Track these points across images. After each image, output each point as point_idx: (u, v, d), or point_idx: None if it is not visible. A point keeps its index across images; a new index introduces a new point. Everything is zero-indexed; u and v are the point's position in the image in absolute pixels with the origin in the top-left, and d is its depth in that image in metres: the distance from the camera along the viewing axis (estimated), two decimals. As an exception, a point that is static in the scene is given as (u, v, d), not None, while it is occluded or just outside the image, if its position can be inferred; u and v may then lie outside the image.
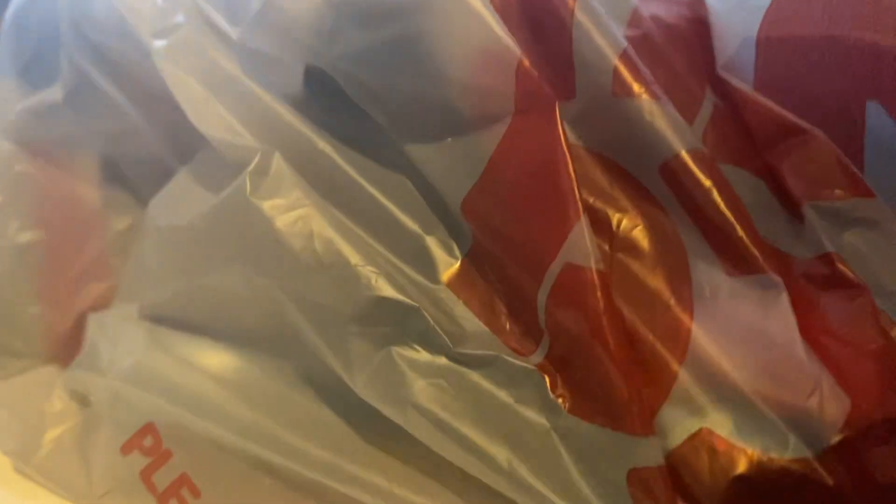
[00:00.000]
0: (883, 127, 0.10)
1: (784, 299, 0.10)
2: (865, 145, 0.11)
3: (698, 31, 0.11)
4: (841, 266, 0.10)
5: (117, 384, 0.13)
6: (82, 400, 0.14)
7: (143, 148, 0.13)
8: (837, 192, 0.11)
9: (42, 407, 0.14)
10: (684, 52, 0.11)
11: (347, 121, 0.11)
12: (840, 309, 0.10)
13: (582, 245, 0.10)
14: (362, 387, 0.11)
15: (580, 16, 0.11)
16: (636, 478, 0.10)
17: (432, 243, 0.12)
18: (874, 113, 0.11)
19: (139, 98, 0.13)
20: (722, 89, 0.11)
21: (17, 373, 0.14)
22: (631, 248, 0.10)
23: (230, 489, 0.13)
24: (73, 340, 0.14)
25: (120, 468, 0.13)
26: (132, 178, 0.13)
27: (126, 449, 0.13)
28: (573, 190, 0.10)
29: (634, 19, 0.11)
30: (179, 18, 0.12)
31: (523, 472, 0.10)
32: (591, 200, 0.11)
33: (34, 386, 0.14)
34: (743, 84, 0.11)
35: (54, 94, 0.14)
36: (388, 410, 0.11)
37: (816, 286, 0.10)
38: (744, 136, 0.11)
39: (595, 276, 0.10)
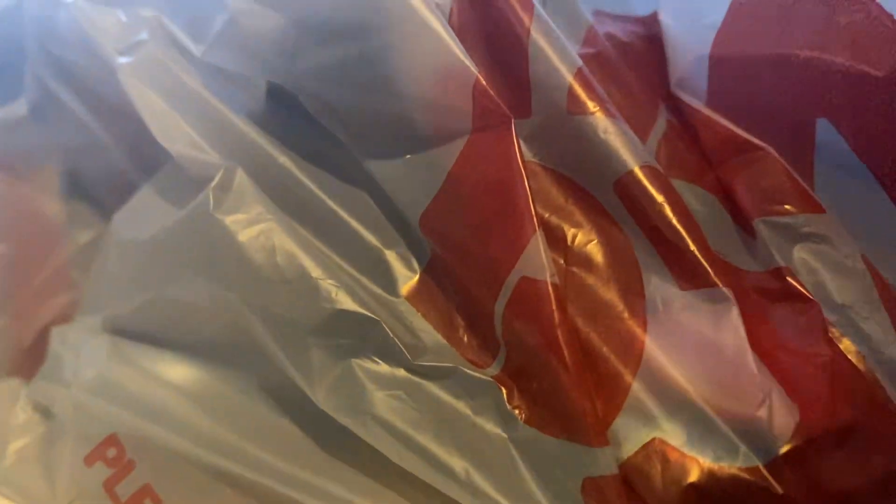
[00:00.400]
0: (832, 144, 0.11)
1: (735, 312, 0.10)
2: (815, 162, 0.11)
3: (652, 49, 0.12)
4: (792, 280, 0.11)
5: (80, 395, 0.13)
6: (45, 412, 0.14)
7: (107, 162, 0.13)
8: (788, 207, 0.11)
9: (5, 419, 0.14)
10: (638, 70, 0.12)
11: (309, 137, 0.12)
12: (790, 322, 0.10)
13: (537, 259, 0.10)
14: (323, 398, 0.11)
15: (536, 35, 0.11)
16: (591, 487, 0.10)
17: (392, 257, 0.12)
18: (824, 130, 0.11)
19: (103, 113, 0.13)
20: (675, 106, 0.12)
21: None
22: (585, 262, 0.11)
23: (193, 500, 0.13)
24: (36, 353, 0.14)
25: (83, 479, 0.13)
26: (95, 193, 0.14)
27: (89, 460, 0.13)
28: (529, 205, 0.10)
29: (589, 38, 0.12)
30: (143, 35, 0.12)
31: (480, 482, 0.10)
32: (546, 216, 0.11)
33: (3, 396, 0.14)
34: (696, 101, 0.11)
35: (19, 108, 0.14)
36: (347, 421, 0.11)
37: (767, 300, 0.11)
38: (697, 153, 0.11)
39: (550, 290, 0.10)
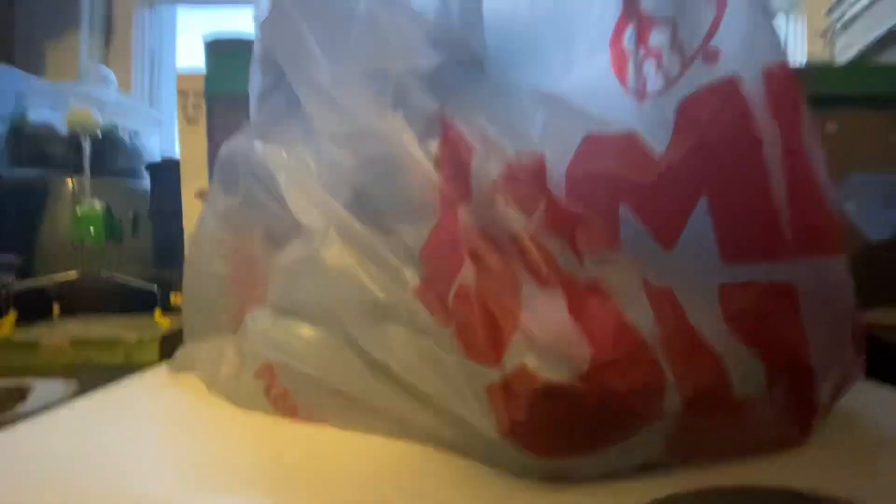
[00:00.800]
0: (628, 219, 0.20)
1: (563, 299, 0.20)
2: (621, 225, 0.21)
3: (537, 167, 0.22)
4: (600, 285, 0.20)
5: (253, 343, 0.26)
6: (239, 352, 0.27)
7: (279, 224, 0.26)
8: (601, 249, 0.20)
9: (223, 353, 0.27)
10: (531, 179, 0.22)
11: (365, 211, 0.24)
12: (595, 305, 0.20)
13: (469, 269, 0.21)
14: (374, 349, 0.23)
15: (476, 165, 0.22)
16: (489, 388, 0.20)
17: (408, 274, 0.23)
18: (624, 212, 0.21)
19: (275, 200, 0.26)
20: (551, 197, 0.22)
21: (213, 337, 0.28)
22: (491, 271, 0.21)
23: (310, 398, 0.25)
24: (241, 321, 0.27)
25: (253, 385, 0.26)
26: (277, 239, 0.27)
27: (256, 375, 0.26)
28: (464, 246, 0.21)
29: (508, 165, 0.22)
30: (292, 162, 0.26)
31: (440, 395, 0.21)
32: (475, 250, 0.22)
33: (220, 345, 0.28)
34: (560, 196, 0.22)
35: (238, 198, 0.28)
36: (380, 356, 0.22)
37: (585, 293, 0.20)
38: (560, 220, 0.21)
39: (473, 291, 0.21)
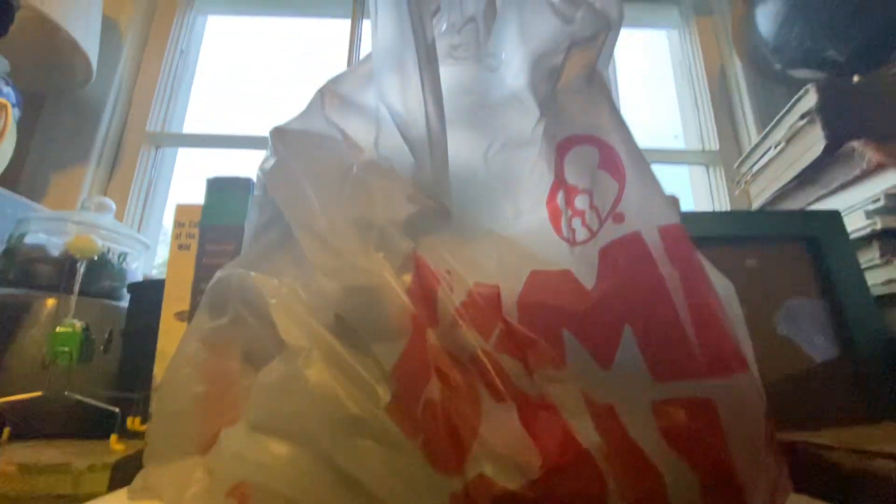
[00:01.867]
0: (571, 342, 0.24)
1: (515, 412, 0.23)
2: (565, 347, 0.24)
3: (493, 297, 0.26)
4: (549, 400, 0.23)
5: (226, 461, 0.27)
6: (211, 471, 0.27)
7: (262, 346, 0.29)
8: (549, 368, 0.24)
9: (190, 475, 0.28)
10: (488, 306, 0.26)
11: (345, 333, 0.27)
12: (545, 418, 0.23)
13: (435, 385, 0.24)
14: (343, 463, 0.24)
15: (441, 294, 0.26)
16: (452, 497, 0.22)
17: (381, 391, 0.25)
18: (567, 336, 0.25)
19: (262, 322, 0.29)
20: (505, 322, 0.26)
21: (180, 459, 0.29)
22: (454, 387, 0.24)
23: None
24: (212, 441, 0.28)
25: None
26: (256, 361, 0.29)
27: (228, 495, 0.26)
28: (431, 365, 0.24)
29: (469, 293, 0.27)
30: (283, 290, 0.29)
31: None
32: (441, 368, 0.25)
33: (189, 465, 0.28)
34: (513, 321, 0.26)
35: (224, 320, 0.31)
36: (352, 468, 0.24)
37: (535, 407, 0.23)
38: (513, 342, 0.25)
39: (439, 405, 0.23)
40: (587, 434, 0.22)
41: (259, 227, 0.34)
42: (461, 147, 0.30)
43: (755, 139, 0.93)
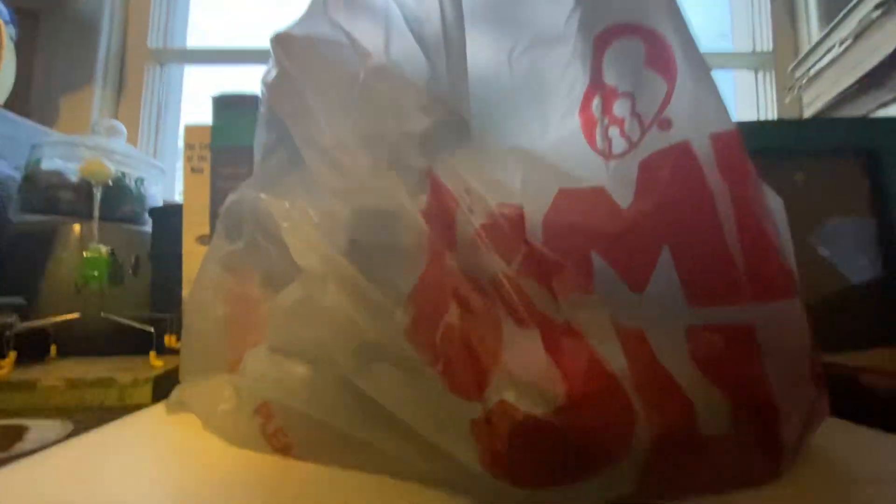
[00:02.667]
0: (600, 265, 0.22)
1: (540, 338, 0.21)
2: (593, 271, 0.23)
3: (517, 218, 0.24)
4: (575, 326, 0.22)
5: (251, 382, 0.28)
6: (237, 390, 0.28)
7: (279, 269, 0.28)
8: (576, 292, 0.22)
9: (220, 393, 0.28)
10: (511, 229, 0.24)
11: (360, 257, 0.25)
12: (571, 344, 0.22)
13: (455, 310, 0.23)
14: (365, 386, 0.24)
15: (460, 215, 0.24)
16: (473, 423, 0.21)
17: (399, 314, 0.25)
18: (596, 258, 0.23)
19: (277, 246, 0.28)
20: (529, 245, 0.24)
21: (211, 377, 0.29)
22: (475, 312, 0.23)
23: (303, 435, 0.26)
24: (239, 362, 0.29)
25: (251, 423, 0.27)
26: (275, 284, 0.29)
27: (253, 413, 0.27)
28: (450, 289, 0.23)
29: (490, 215, 0.24)
30: (295, 213, 0.28)
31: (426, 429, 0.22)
32: (461, 293, 0.23)
33: (218, 383, 0.29)
34: (537, 244, 0.24)
35: (240, 244, 0.30)
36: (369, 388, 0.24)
37: (561, 333, 0.22)
38: (537, 266, 0.23)
39: (458, 331, 0.22)
40: (615, 360, 0.21)
41: (268, 147, 0.32)
42: (481, 48, 0.26)
43: (817, 37, 0.83)
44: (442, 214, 0.24)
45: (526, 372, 0.21)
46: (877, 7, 0.65)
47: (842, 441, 0.28)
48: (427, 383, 0.23)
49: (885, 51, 0.65)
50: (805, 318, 0.24)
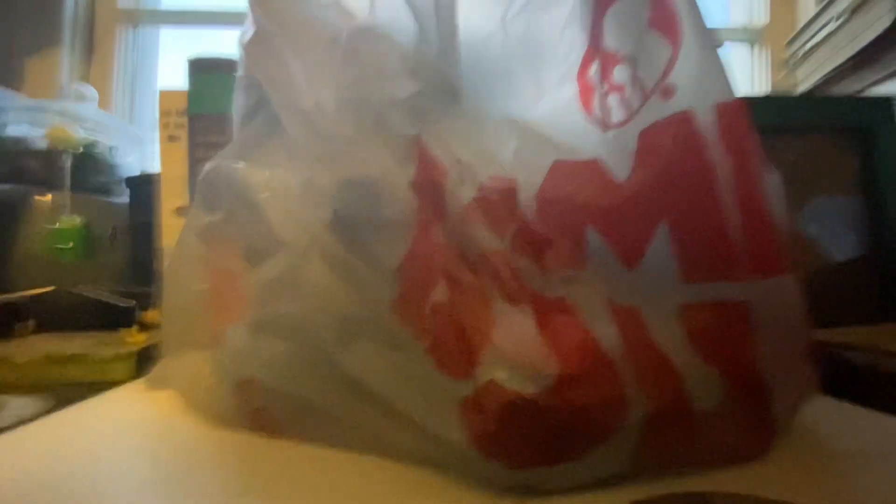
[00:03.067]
0: (594, 240, 0.22)
1: (531, 315, 0.21)
2: (587, 246, 0.22)
3: (509, 192, 0.23)
4: (568, 303, 0.21)
5: (232, 358, 0.27)
6: (218, 366, 0.27)
7: (260, 241, 0.27)
8: (567, 268, 0.21)
9: (201, 369, 0.27)
10: (503, 202, 0.23)
11: (344, 230, 0.24)
12: (563, 322, 0.21)
13: (444, 286, 0.22)
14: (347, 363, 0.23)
15: (450, 188, 0.23)
16: (462, 402, 0.21)
17: (385, 290, 0.24)
18: (590, 233, 0.22)
19: (256, 218, 0.27)
20: (521, 220, 0.23)
21: (191, 353, 0.28)
22: (464, 288, 0.22)
23: (285, 412, 0.25)
24: (220, 336, 0.27)
25: (231, 401, 0.26)
26: (256, 256, 0.27)
27: (234, 391, 0.26)
28: (439, 264, 0.22)
29: (480, 188, 0.23)
30: (274, 183, 0.26)
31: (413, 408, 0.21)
32: (450, 270, 0.23)
33: (200, 359, 0.28)
34: (530, 218, 0.23)
35: (219, 215, 0.28)
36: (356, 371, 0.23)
37: (553, 310, 0.21)
38: (529, 240, 0.23)
39: (447, 307, 0.22)
40: (608, 338, 0.20)
41: (246, 112, 0.30)
42: (473, 9, 0.25)
43: (813, 12, 0.81)
44: (430, 186, 0.23)
45: (517, 350, 0.21)
46: (875, -20, 0.64)
47: (828, 417, 0.29)
48: (414, 361, 0.22)
49: (880, 27, 0.64)
50: (798, 294, 0.24)
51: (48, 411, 0.33)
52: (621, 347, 0.20)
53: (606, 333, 0.20)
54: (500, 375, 0.20)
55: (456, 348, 0.21)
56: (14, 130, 0.53)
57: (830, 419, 0.29)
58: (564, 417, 0.20)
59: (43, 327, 0.52)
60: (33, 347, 0.46)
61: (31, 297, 0.50)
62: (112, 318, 0.51)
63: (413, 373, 0.22)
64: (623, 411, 0.20)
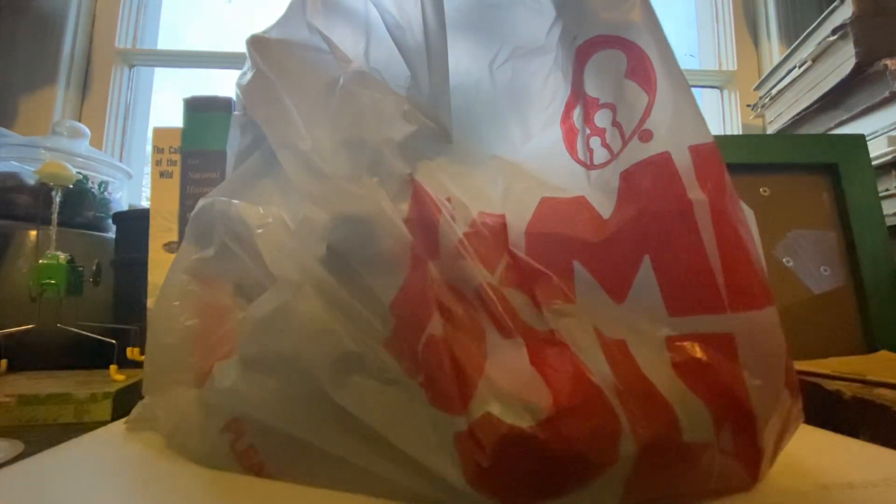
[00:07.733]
0: (582, 274, 0.22)
1: (524, 349, 0.21)
2: (575, 280, 0.22)
3: (499, 227, 0.24)
4: (559, 336, 0.22)
5: (220, 396, 0.26)
6: (205, 405, 0.27)
7: (252, 278, 0.27)
8: (557, 301, 0.22)
9: (187, 408, 0.27)
10: (493, 238, 0.24)
11: (338, 266, 0.25)
12: (555, 355, 0.21)
13: (437, 321, 0.22)
14: (340, 398, 0.23)
15: (443, 224, 0.24)
16: (457, 437, 0.21)
17: (379, 325, 0.24)
18: (578, 268, 0.22)
19: (250, 254, 0.27)
20: (512, 254, 0.24)
21: (177, 392, 0.28)
22: (458, 323, 0.22)
23: (276, 454, 0.24)
24: (208, 375, 0.27)
25: (220, 440, 0.25)
26: (247, 293, 0.27)
27: (224, 430, 0.25)
28: (433, 300, 0.22)
29: (472, 224, 0.24)
30: (269, 220, 0.27)
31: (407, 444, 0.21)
32: (444, 303, 0.23)
33: (185, 398, 0.27)
34: (520, 253, 0.23)
35: (210, 251, 0.29)
36: (347, 402, 0.23)
37: (544, 343, 0.22)
38: (520, 275, 0.23)
39: (441, 342, 0.22)
40: (599, 371, 0.21)
41: (241, 151, 0.31)
42: (463, 57, 0.26)
43: (778, 59, 0.86)
44: (425, 222, 0.24)
45: (510, 383, 0.21)
46: (834, 32, 0.69)
47: (813, 446, 0.29)
48: (408, 396, 0.22)
49: (841, 73, 0.68)
50: (780, 326, 0.25)
51: (18, 456, 0.32)
52: (612, 380, 0.21)
53: (598, 366, 0.21)
54: (495, 409, 0.21)
55: (450, 383, 0.21)
56: (4, 166, 0.53)
57: (817, 449, 0.29)
58: (559, 450, 0.20)
59: (18, 367, 0.50)
60: (6, 388, 0.44)
61: (6, 335, 0.48)
62: (93, 357, 0.50)
63: (407, 409, 0.22)
64: (616, 443, 0.20)
